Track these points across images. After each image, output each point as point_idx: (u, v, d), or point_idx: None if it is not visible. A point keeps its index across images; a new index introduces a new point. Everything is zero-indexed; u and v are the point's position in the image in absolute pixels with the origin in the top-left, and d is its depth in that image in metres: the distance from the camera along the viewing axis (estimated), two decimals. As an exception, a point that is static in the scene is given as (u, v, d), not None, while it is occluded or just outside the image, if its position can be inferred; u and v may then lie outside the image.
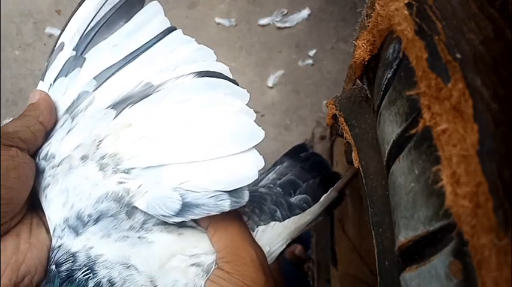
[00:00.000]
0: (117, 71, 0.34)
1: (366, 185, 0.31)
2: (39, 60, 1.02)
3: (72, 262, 0.28)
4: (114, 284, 0.28)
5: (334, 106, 0.35)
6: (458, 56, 0.20)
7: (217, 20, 1.02)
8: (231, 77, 0.33)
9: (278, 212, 0.42)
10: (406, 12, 0.22)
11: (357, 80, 0.35)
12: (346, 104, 0.34)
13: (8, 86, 1.01)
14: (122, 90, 0.33)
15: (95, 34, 0.36)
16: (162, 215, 0.29)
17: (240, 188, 0.29)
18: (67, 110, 0.33)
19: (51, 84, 0.35)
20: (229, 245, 0.31)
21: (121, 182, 0.30)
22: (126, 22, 0.36)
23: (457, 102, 0.19)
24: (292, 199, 0.45)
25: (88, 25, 0.36)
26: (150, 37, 0.35)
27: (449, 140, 0.19)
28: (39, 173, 0.31)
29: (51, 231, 0.30)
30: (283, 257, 0.89)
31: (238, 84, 0.33)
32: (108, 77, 0.34)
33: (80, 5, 0.37)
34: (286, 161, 0.51)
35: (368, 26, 0.28)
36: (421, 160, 0.21)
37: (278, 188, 0.46)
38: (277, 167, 0.49)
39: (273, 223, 0.38)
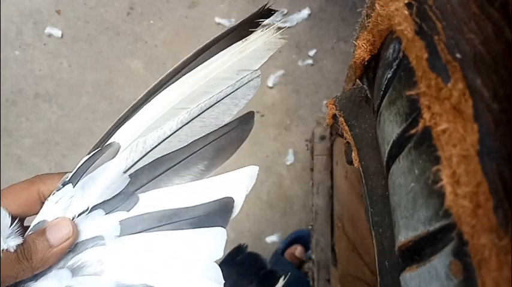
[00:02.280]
0: (145, 230, 0.30)
1: (366, 185, 0.30)
2: (39, 60, 1.02)
3: None
4: None
5: (334, 106, 0.35)
6: (458, 56, 0.20)
7: (217, 20, 1.01)
8: None
9: None
10: (406, 12, 0.22)
11: (357, 80, 0.35)
12: (346, 104, 0.34)
13: (8, 86, 1.01)
14: (127, 277, 0.29)
15: (163, 172, 0.30)
16: None
17: None
18: (70, 252, 0.29)
19: (88, 210, 0.29)
20: None
21: None
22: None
23: (457, 102, 0.19)
24: None
25: (157, 146, 0.30)
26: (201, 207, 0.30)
27: (449, 140, 0.19)
28: None
29: None
30: (284, 258, 0.89)
31: None
32: (133, 233, 0.29)
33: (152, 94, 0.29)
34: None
35: (368, 26, 0.28)
36: (421, 160, 0.21)
37: None
38: None
39: None
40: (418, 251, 0.22)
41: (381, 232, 0.28)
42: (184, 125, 0.30)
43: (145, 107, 0.29)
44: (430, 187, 0.20)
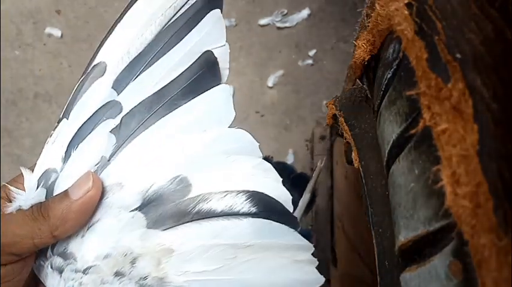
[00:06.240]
0: (141, 126, 0.28)
1: (366, 185, 0.30)
2: (39, 60, 1.02)
3: None
4: None
5: (334, 106, 0.35)
6: (458, 56, 0.20)
7: (217, 20, 1.01)
8: (289, 207, 0.29)
9: None
10: (406, 12, 0.22)
11: (357, 80, 0.35)
12: (346, 104, 0.34)
13: (8, 86, 1.01)
14: (150, 177, 0.27)
15: (143, 67, 0.28)
16: None
17: None
18: None
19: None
20: None
21: None
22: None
23: (457, 102, 0.19)
24: None
25: (141, 53, 0.28)
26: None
27: (449, 140, 0.19)
28: (51, 269, 0.27)
29: None
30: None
31: (295, 219, 0.29)
32: (131, 136, 0.27)
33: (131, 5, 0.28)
34: None
35: (368, 26, 0.28)
36: (421, 160, 0.21)
37: None
38: None
39: None
40: (418, 251, 0.22)
41: (381, 232, 0.28)
42: (163, 27, 0.28)
43: (124, 20, 0.28)
44: (430, 187, 0.20)
